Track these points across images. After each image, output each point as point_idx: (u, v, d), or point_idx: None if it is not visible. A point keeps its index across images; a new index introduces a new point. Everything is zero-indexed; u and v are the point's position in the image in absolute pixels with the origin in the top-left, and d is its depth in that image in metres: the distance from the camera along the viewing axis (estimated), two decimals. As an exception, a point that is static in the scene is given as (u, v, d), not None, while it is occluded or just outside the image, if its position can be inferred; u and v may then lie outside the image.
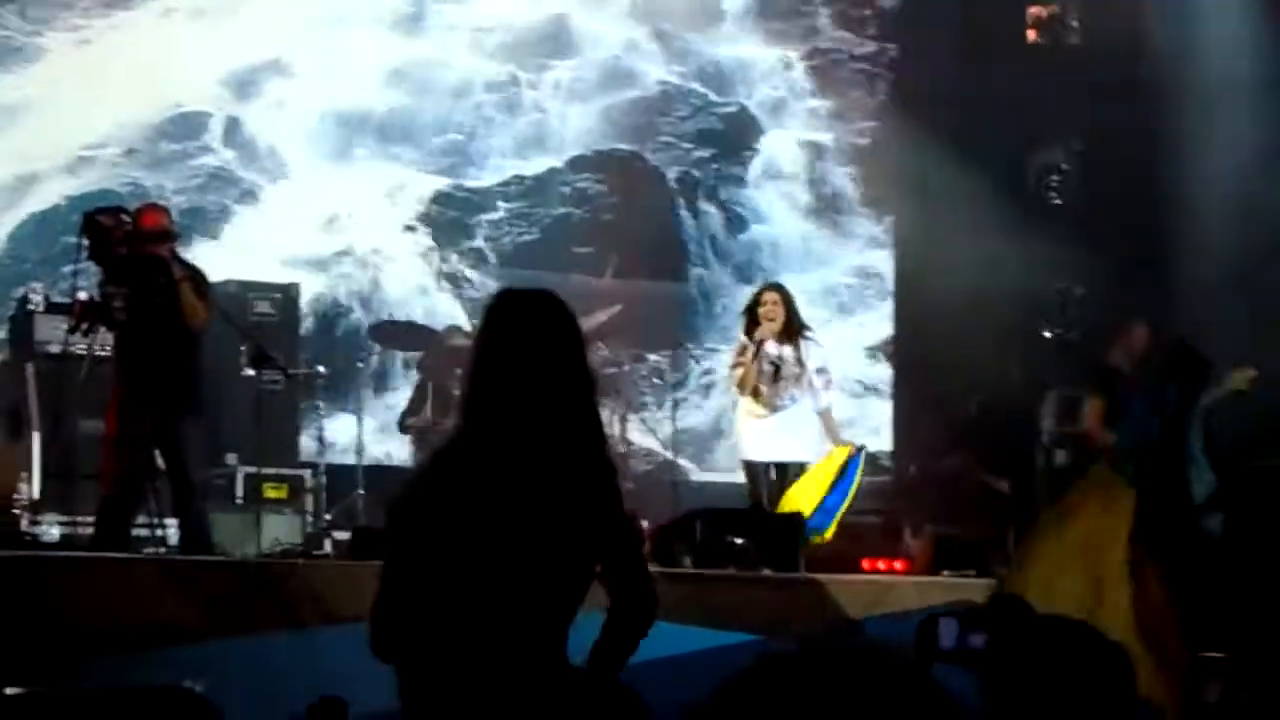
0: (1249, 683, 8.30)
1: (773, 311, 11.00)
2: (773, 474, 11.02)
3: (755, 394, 10.98)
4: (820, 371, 11.15)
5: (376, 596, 4.43)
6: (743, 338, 11.14)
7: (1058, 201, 14.56)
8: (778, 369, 10.94)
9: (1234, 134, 13.42)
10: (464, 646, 4.35)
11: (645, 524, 9.94)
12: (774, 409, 10.94)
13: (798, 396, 11.02)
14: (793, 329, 11.09)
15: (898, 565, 11.09)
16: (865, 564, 10.94)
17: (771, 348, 10.99)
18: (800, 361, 11.01)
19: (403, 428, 13.20)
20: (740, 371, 11.06)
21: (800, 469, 10.97)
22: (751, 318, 11.09)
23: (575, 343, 4.48)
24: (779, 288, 11.46)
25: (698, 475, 14.16)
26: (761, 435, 11.06)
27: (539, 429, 4.34)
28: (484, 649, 4.34)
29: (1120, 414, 10.34)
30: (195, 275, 9.98)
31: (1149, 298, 13.00)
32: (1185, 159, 13.62)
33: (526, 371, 4.36)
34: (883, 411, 15.38)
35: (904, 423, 15.18)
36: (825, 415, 11.25)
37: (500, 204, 14.85)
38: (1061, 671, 3.38)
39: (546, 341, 4.38)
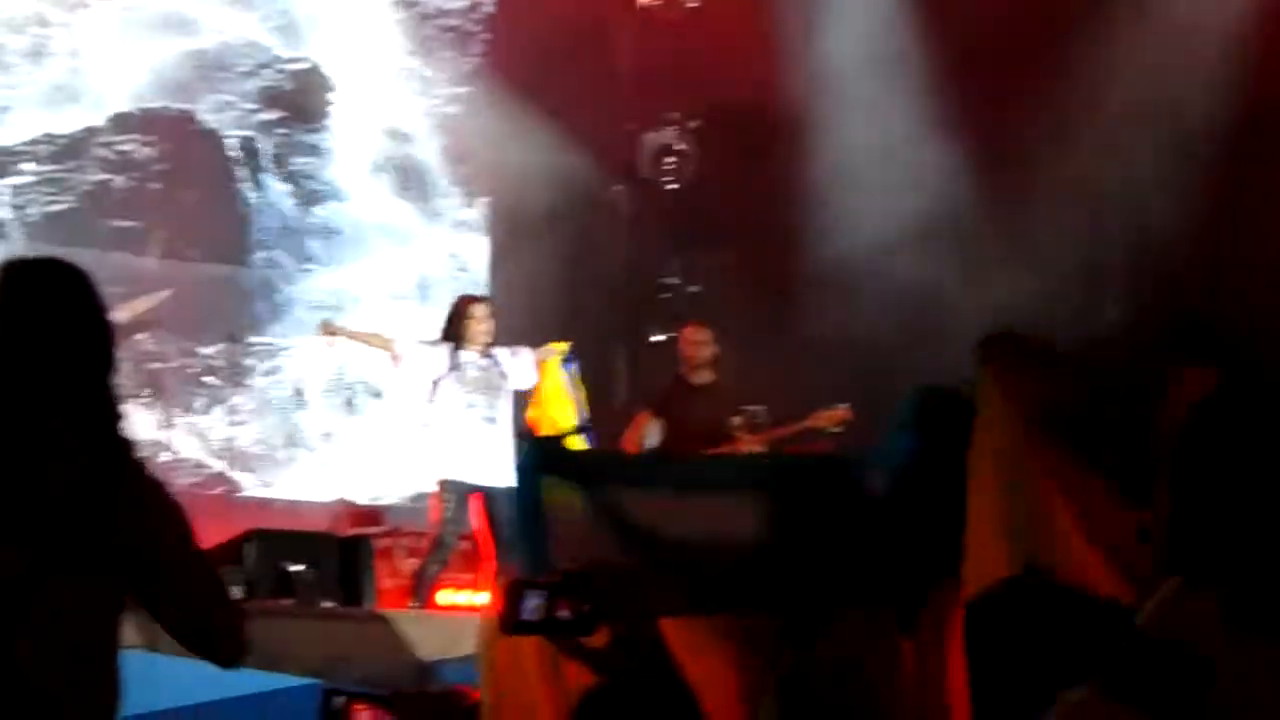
0: None
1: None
2: None
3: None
4: None
5: None
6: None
7: (673, 186, 13.94)
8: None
9: (868, 110, 12.75)
10: None
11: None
12: None
13: None
14: None
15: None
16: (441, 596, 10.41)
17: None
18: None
19: None
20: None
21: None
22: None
23: (94, 317, 3.88)
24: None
25: (256, 491, 13.37)
26: None
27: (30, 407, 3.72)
28: None
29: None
30: None
31: (769, 295, 12.61)
32: (815, 137, 12.91)
33: (24, 346, 3.79)
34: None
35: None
36: None
37: (26, 166, 13.53)
38: None
39: (54, 312, 3.82)
